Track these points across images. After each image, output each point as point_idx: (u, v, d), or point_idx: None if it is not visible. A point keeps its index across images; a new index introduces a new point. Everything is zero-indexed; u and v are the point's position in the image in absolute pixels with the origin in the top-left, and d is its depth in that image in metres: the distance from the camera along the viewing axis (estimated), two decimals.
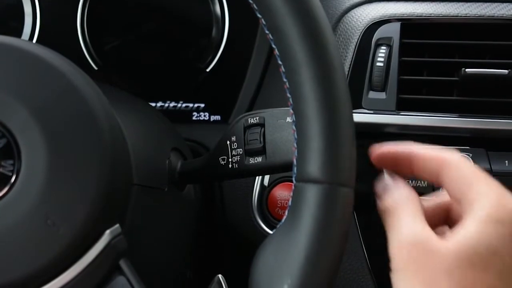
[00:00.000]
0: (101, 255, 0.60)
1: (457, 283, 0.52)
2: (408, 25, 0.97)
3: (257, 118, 0.72)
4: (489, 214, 0.54)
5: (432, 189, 0.87)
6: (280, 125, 0.71)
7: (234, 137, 0.73)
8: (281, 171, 0.72)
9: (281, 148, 0.70)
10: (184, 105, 1.08)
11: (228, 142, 0.73)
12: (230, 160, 0.73)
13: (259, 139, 0.71)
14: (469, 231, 0.54)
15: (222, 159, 0.74)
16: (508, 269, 0.53)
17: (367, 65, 0.95)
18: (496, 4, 0.97)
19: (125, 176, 0.67)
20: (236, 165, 0.73)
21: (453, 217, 0.62)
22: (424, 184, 0.87)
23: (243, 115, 0.74)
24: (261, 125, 0.72)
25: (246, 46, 1.06)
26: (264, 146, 0.71)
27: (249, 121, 0.73)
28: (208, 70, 1.06)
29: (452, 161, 0.58)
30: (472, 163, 0.59)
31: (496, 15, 0.95)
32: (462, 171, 0.57)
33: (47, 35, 1.05)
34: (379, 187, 0.61)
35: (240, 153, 0.73)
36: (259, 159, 0.71)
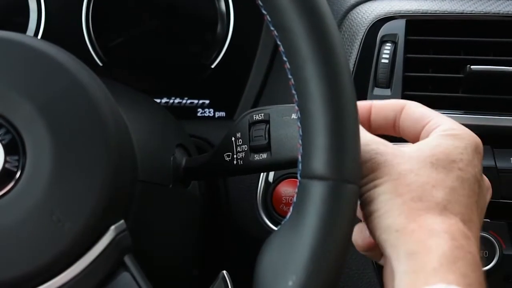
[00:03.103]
0: (106, 251, 0.61)
1: (423, 181, 0.57)
2: (413, 22, 0.96)
3: (262, 114, 0.72)
4: (446, 131, 0.61)
5: None
6: (285, 122, 0.71)
7: (239, 133, 0.73)
8: (286, 167, 0.72)
9: (286, 145, 0.70)
10: (189, 101, 1.08)
11: (233, 139, 0.73)
12: (235, 156, 0.73)
13: (264, 135, 0.71)
14: (429, 141, 0.60)
15: (227, 155, 0.74)
16: (465, 176, 0.58)
17: (372, 62, 0.95)
18: (501, 1, 0.97)
19: (130, 172, 0.67)
20: (241, 161, 0.73)
21: None
22: None
23: (248, 111, 0.74)
24: (266, 121, 0.72)
25: (251, 42, 1.06)
26: (269, 143, 0.71)
27: (254, 117, 0.72)
28: (213, 66, 1.06)
29: (408, 103, 0.65)
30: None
31: (501, 12, 0.95)
32: (419, 109, 0.65)
33: (52, 31, 1.05)
34: None
35: (245, 149, 0.72)
36: (264, 155, 0.71)
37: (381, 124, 0.67)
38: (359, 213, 0.61)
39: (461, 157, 0.59)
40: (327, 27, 0.54)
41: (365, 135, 0.60)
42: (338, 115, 0.52)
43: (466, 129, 0.62)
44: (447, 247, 0.53)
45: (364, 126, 0.64)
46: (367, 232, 0.61)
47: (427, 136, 0.62)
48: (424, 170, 0.57)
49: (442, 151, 0.59)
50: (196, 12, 1.07)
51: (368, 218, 0.58)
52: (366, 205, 0.58)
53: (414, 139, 0.64)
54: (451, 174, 0.58)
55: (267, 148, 0.71)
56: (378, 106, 0.67)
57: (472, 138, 0.61)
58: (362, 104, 0.66)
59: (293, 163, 0.67)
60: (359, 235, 0.66)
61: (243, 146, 0.73)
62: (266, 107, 0.73)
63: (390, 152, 0.59)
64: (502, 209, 0.87)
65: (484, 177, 0.63)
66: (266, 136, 0.71)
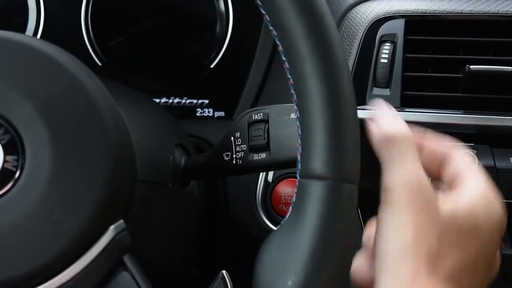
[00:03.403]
0: (105, 251, 0.61)
1: (443, 242, 0.55)
2: (413, 21, 0.96)
3: (261, 114, 0.72)
4: (482, 196, 0.58)
5: None
6: (284, 121, 0.71)
7: (238, 133, 0.73)
8: (285, 167, 0.72)
9: (285, 144, 0.70)
10: (188, 101, 1.08)
11: (232, 138, 0.73)
12: (234, 156, 0.73)
13: (263, 135, 0.71)
14: (464, 201, 0.57)
15: (226, 155, 0.74)
16: (485, 248, 0.57)
17: (371, 62, 0.95)
18: (501, 1, 0.97)
19: (129, 172, 0.67)
20: (240, 161, 0.73)
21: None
22: None
23: (247, 111, 0.74)
24: (265, 121, 0.72)
25: (250, 42, 1.06)
26: (268, 142, 0.71)
27: (253, 117, 0.72)
28: (212, 66, 1.06)
29: (458, 153, 0.62)
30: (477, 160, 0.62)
31: (500, 11, 0.95)
32: (465, 161, 0.61)
33: (51, 30, 1.05)
34: (374, 112, 0.60)
35: (244, 149, 0.72)
36: (263, 155, 0.71)
37: (428, 163, 0.63)
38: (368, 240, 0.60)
39: (486, 227, 0.57)
40: (326, 27, 0.54)
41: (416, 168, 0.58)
42: (337, 115, 0.52)
43: (497, 196, 0.59)
44: None
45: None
46: (367, 270, 0.60)
47: (464, 186, 0.59)
48: (447, 234, 0.55)
49: (473, 217, 0.56)
50: (195, 12, 1.07)
51: (373, 257, 0.57)
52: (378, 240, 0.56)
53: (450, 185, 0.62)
54: (471, 245, 0.56)
55: (266, 147, 0.71)
56: (429, 146, 0.63)
57: (500, 208, 0.59)
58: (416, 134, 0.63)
59: (292, 163, 0.67)
60: (359, 271, 0.63)
61: (242, 145, 0.73)
62: (265, 106, 0.73)
63: (430, 200, 0.56)
64: None
65: (500, 247, 0.62)
66: (265, 135, 0.71)
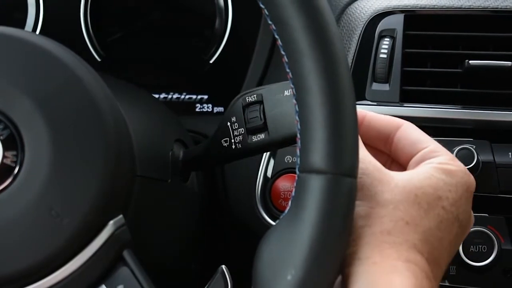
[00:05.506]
0: (105, 246, 0.60)
1: (399, 216, 0.56)
2: (412, 16, 0.97)
3: (255, 95, 0.72)
4: (441, 164, 0.59)
5: None
6: (278, 100, 0.70)
7: (234, 117, 0.73)
8: (284, 145, 0.71)
9: (282, 123, 0.70)
10: (187, 96, 1.08)
11: (228, 124, 0.73)
12: (232, 141, 0.73)
13: (259, 116, 0.71)
14: (421, 172, 0.59)
15: (224, 141, 0.74)
16: (445, 216, 0.58)
17: (371, 57, 0.95)
18: None
19: (129, 167, 0.67)
20: (240, 145, 0.73)
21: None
22: None
23: (241, 94, 0.73)
24: (260, 102, 0.72)
25: (249, 37, 1.06)
26: (265, 123, 0.71)
27: (247, 99, 0.72)
28: (211, 61, 1.06)
29: (406, 123, 0.65)
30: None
31: (499, 7, 0.95)
32: (417, 132, 0.64)
33: (50, 26, 1.05)
34: None
35: (242, 132, 0.72)
36: (262, 136, 0.71)
37: (373, 136, 0.66)
38: None
39: (447, 195, 0.58)
40: (325, 21, 0.53)
41: (360, 151, 0.59)
42: (336, 109, 0.52)
43: (462, 165, 0.61)
44: (407, 284, 0.53)
45: None
46: None
47: (420, 162, 0.61)
48: (404, 204, 0.57)
49: (431, 185, 0.58)
50: (195, 7, 1.07)
51: None
52: None
53: (405, 160, 0.64)
54: (431, 213, 0.57)
55: (264, 128, 0.71)
56: (373, 118, 0.66)
57: (466, 176, 0.60)
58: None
59: (291, 140, 0.67)
60: None
61: (239, 129, 0.72)
62: (258, 87, 0.73)
63: (377, 176, 0.58)
64: (500, 203, 0.87)
65: (471, 215, 0.62)
66: (262, 116, 0.71)
